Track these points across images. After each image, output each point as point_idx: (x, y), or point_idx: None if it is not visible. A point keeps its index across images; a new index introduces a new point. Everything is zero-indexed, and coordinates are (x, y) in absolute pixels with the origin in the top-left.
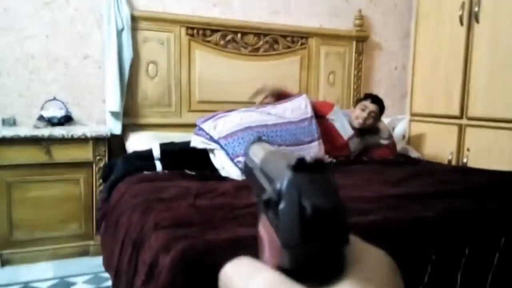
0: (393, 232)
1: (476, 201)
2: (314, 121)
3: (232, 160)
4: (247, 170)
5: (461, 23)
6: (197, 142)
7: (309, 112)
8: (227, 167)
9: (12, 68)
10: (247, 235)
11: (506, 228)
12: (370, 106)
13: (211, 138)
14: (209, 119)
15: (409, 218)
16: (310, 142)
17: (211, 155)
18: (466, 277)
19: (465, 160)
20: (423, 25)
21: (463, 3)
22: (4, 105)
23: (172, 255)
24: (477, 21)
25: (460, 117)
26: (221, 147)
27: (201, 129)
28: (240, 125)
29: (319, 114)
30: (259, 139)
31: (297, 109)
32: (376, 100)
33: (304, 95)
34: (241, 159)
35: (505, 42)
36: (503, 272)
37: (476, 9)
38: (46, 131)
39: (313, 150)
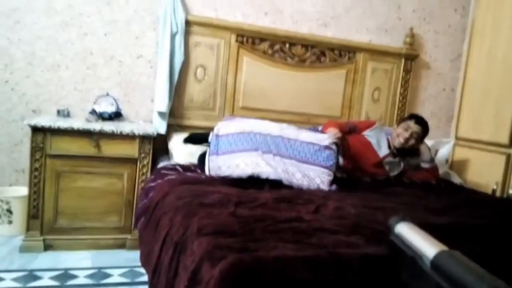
0: None
1: None
2: (328, 151)
3: (209, 155)
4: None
5: None
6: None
7: (325, 141)
8: (206, 161)
9: (71, 62)
10: (295, 256)
11: None
12: (414, 127)
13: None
14: (230, 119)
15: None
16: (313, 165)
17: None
18: None
19: (511, 192)
20: (477, 47)
21: None
22: (60, 97)
23: (221, 268)
24: None
25: (510, 146)
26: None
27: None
28: (242, 128)
29: (358, 131)
30: (403, 219)
31: (314, 136)
32: (421, 121)
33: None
34: (214, 158)
35: None
36: None
37: None
38: (97, 125)
39: (313, 174)
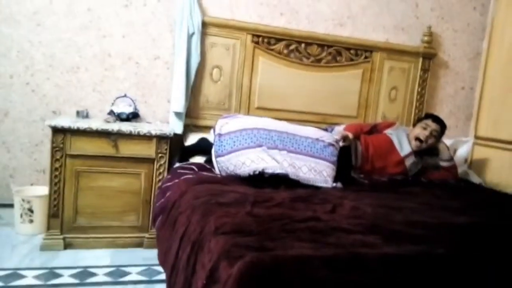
0: (464, 268)
1: None
2: (332, 148)
3: (215, 157)
4: None
5: None
6: (211, 135)
7: (331, 139)
8: (214, 163)
9: (90, 64)
10: (313, 255)
11: None
12: (432, 125)
13: (214, 134)
14: (230, 116)
15: (480, 254)
16: (320, 159)
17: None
18: None
19: None
20: (497, 45)
21: None
22: (79, 98)
23: (240, 266)
24: None
25: None
26: (214, 144)
27: (217, 123)
28: (244, 125)
29: (379, 130)
30: None
31: (319, 132)
32: (438, 119)
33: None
34: (221, 159)
35: None
36: None
37: None
38: (115, 126)
39: (320, 167)
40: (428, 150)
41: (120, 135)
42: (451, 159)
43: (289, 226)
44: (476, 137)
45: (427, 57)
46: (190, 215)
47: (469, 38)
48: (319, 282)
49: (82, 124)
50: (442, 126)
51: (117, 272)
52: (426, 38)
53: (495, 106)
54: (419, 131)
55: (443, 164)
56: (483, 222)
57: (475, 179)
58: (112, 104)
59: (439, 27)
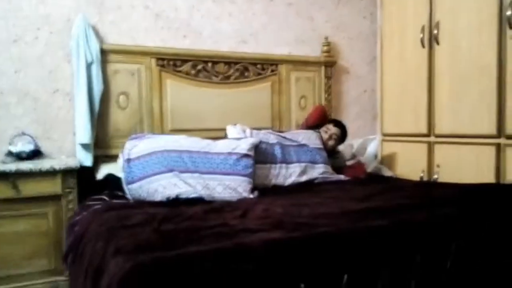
0: (346, 243)
1: (431, 211)
2: (246, 159)
3: (126, 184)
4: None
5: (423, 46)
6: (119, 159)
7: (244, 149)
8: (125, 190)
9: None
10: (197, 251)
11: (457, 234)
12: (332, 129)
13: (123, 159)
14: (138, 137)
15: (361, 228)
16: (233, 175)
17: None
18: (419, 284)
19: (435, 176)
20: (388, 49)
21: (423, 27)
22: None
23: (120, 273)
24: (437, 43)
25: (428, 135)
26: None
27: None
28: (153, 148)
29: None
30: None
31: (230, 144)
32: (339, 124)
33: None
34: (132, 186)
35: (464, 61)
36: (455, 277)
37: (435, 31)
38: (13, 166)
39: (235, 183)
40: (331, 153)
41: (19, 174)
42: (353, 156)
43: (195, 236)
44: (383, 134)
45: (328, 65)
46: (95, 243)
47: (364, 44)
48: (202, 275)
49: None
50: (342, 130)
51: None
52: (325, 48)
53: (395, 103)
54: (322, 134)
55: (348, 163)
56: (378, 206)
57: (387, 172)
58: (10, 144)
59: (335, 36)
